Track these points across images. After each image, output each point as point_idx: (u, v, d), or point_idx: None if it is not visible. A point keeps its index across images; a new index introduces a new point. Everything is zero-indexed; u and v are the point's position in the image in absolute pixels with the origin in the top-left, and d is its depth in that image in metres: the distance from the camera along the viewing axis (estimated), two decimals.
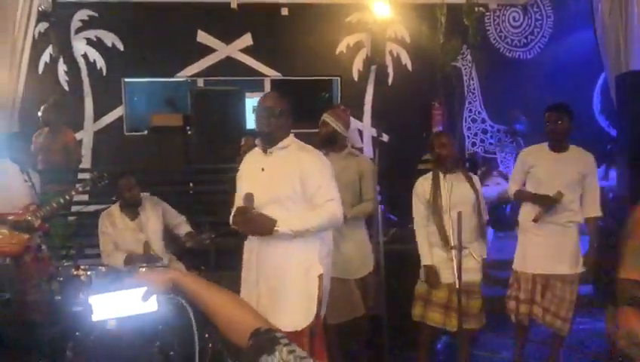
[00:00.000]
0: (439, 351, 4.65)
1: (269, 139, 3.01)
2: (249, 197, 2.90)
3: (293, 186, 2.93)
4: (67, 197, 4.69)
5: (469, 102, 8.49)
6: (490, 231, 7.26)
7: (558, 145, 3.97)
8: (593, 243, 3.99)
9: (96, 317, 1.54)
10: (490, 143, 8.46)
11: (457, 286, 3.47)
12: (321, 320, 3.12)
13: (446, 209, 3.72)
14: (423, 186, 3.89)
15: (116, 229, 4.31)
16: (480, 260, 3.80)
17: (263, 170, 3.00)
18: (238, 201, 3.07)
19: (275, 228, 2.85)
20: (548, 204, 3.90)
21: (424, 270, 3.85)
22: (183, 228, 4.51)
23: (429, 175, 3.90)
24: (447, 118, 8.00)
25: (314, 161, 3.00)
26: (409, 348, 4.08)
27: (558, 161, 3.95)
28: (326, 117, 4.06)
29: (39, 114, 6.46)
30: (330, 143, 4.04)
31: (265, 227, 2.87)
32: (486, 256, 3.89)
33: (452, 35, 7.53)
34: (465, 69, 8.33)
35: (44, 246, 4.66)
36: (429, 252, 3.82)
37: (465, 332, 3.62)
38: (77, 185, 4.72)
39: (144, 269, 3.78)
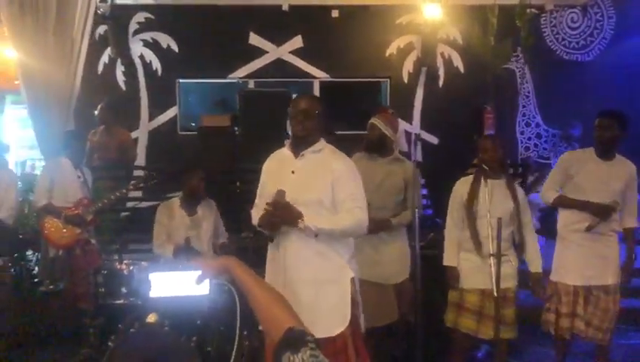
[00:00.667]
0: (480, 360, 4.55)
1: (303, 142, 2.97)
2: (281, 194, 2.87)
3: (324, 191, 2.90)
4: (118, 193, 4.88)
5: (523, 106, 8.25)
6: (541, 239, 7.03)
7: (606, 153, 3.81)
8: (631, 254, 3.85)
9: (153, 293, 1.66)
10: (545, 148, 8.19)
11: (495, 294, 3.40)
12: (358, 322, 3.07)
13: (481, 214, 3.65)
14: (461, 189, 3.84)
15: (172, 221, 4.43)
16: (515, 268, 3.70)
17: (293, 172, 2.95)
18: (261, 201, 3.04)
19: (301, 220, 2.80)
20: (608, 213, 3.74)
21: (446, 270, 3.80)
22: (221, 238, 4.65)
23: (470, 178, 3.84)
24: (500, 122, 7.82)
25: (347, 167, 2.97)
26: (444, 355, 4.01)
27: (605, 171, 3.79)
28: (375, 121, 4.03)
29: (95, 113, 6.73)
30: (378, 147, 4.02)
31: (292, 216, 2.82)
32: (539, 269, 3.77)
33: (504, 36, 7.34)
34: (519, 71, 8.11)
35: (93, 241, 4.86)
36: (454, 253, 3.80)
37: (501, 341, 3.52)
38: (128, 184, 4.90)
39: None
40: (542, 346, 4.59)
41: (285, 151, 3.06)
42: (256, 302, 1.56)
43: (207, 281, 1.64)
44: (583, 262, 3.79)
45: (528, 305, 4.95)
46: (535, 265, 3.77)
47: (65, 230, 4.69)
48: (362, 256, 4.04)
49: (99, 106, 6.71)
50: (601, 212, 3.76)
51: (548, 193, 4.00)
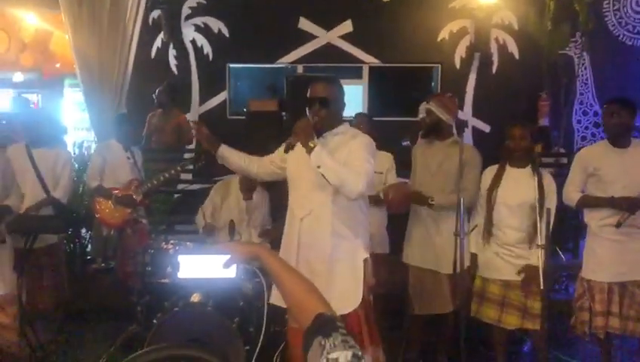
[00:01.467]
0: (525, 354, 4.45)
1: (321, 130, 3.00)
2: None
3: None
4: (167, 175, 4.98)
5: (581, 94, 7.91)
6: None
7: (622, 141, 3.65)
8: None
9: (181, 274, 1.71)
10: (602, 138, 7.85)
11: (541, 287, 3.31)
12: (371, 304, 3.13)
13: (499, 202, 3.58)
14: (486, 176, 3.77)
15: (227, 200, 4.51)
16: (539, 261, 3.55)
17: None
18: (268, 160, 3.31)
19: (312, 141, 2.84)
20: (636, 205, 3.56)
21: (471, 258, 3.77)
22: (266, 225, 4.74)
23: (497, 166, 3.76)
24: (555, 110, 7.55)
25: (363, 141, 3.01)
26: (487, 347, 3.94)
27: (627, 159, 3.62)
28: (431, 105, 3.98)
29: (154, 96, 6.87)
30: (434, 132, 3.98)
31: (308, 136, 2.86)
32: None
33: (561, 21, 7.05)
34: (577, 57, 7.78)
35: (144, 221, 4.99)
36: (475, 240, 3.76)
37: (538, 333, 3.43)
38: (177, 165, 5.00)
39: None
40: (590, 341, 4.44)
41: None
42: (285, 288, 1.57)
43: (234, 266, 1.66)
44: (616, 258, 3.63)
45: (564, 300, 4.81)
46: (534, 258, 3.57)
47: (116, 210, 4.83)
48: (414, 240, 4.03)
49: (157, 90, 6.85)
50: (630, 206, 3.58)
51: (571, 195, 3.81)
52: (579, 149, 7.66)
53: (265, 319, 1.92)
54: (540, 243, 3.37)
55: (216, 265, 1.69)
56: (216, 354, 3.21)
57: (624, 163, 3.64)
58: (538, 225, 3.38)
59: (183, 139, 6.97)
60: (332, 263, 2.91)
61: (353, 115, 4.95)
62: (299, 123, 2.88)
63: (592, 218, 3.78)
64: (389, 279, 4.42)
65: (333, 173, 2.82)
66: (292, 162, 3.08)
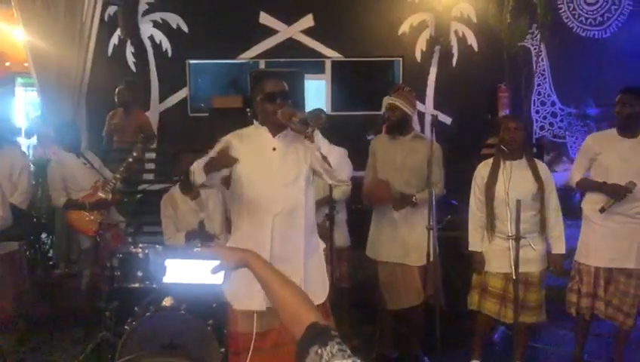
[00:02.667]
0: (496, 342, 4.53)
1: (283, 127, 2.85)
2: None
3: (305, 166, 2.90)
4: (125, 165, 4.82)
5: (538, 84, 8.10)
6: None
7: (629, 131, 3.73)
8: None
9: (167, 279, 1.64)
10: (560, 127, 8.07)
11: (514, 277, 3.36)
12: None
13: (499, 196, 3.62)
14: (482, 171, 3.79)
15: (178, 211, 4.41)
16: (540, 252, 3.64)
17: (274, 149, 2.87)
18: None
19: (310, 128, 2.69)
20: (621, 194, 3.67)
21: (472, 255, 3.79)
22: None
23: (491, 160, 3.78)
24: (514, 101, 7.70)
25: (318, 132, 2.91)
26: (462, 337, 4.00)
27: (629, 148, 3.72)
28: (396, 100, 3.98)
29: (115, 94, 6.65)
30: (400, 127, 3.98)
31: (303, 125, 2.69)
32: (562, 250, 3.71)
33: (520, 13, 7.19)
34: (534, 49, 7.95)
35: (122, 224, 4.85)
36: (478, 238, 3.76)
37: (520, 324, 3.49)
38: (131, 154, 4.82)
39: (199, 248, 3.85)
40: (561, 327, 4.56)
41: (254, 130, 2.94)
42: (276, 297, 1.54)
43: (222, 272, 1.62)
44: (605, 243, 3.74)
45: (547, 286, 4.93)
46: (557, 247, 3.71)
47: (91, 217, 4.69)
48: (384, 236, 4.04)
49: (118, 88, 6.64)
50: (614, 192, 3.69)
51: (574, 176, 3.98)
52: (537, 139, 7.93)
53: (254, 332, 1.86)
54: (510, 235, 3.43)
55: (204, 270, 1.63)
56: (192, 359, 3.17)
57: (624, 151, 3.73)
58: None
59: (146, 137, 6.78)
60: (306, 258, 2.90)
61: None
62: (285, 110, 2.73)
63: (586, 203, 3.91)
64: (353, 273, 4.44)
65: (332, 152, 2.74)
66: (254, 162, 2.86)
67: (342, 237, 4.34)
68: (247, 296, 2.78)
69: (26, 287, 4.41)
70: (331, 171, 2.78)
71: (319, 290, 2.95)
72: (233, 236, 3.02)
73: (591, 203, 3.86)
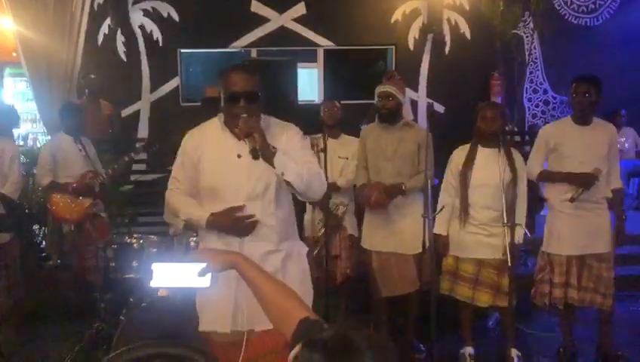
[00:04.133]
0: (490, 329, 4.57)
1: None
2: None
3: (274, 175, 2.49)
4: (121, 162, 4.81)
5: (531, 72, 8.12)
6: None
7: (584, 119, 3.75)
8: (621, 215, 3.84)
9: (154, 283, 1.63)
10: (552, 115, 8.09)
11: (509, 264, 3.39)
12: None
13: (474, 183, 3.64)
14: (457, 157, 3.82)
15: None
16: (507, 239, 3.64)
17: (239, 156, 2.46)
18: (184, 185, 2.61)
19: (272, 147, 2.36)
20: (589, 182, 3.69)
21: (435, 238, 3.75)
22: None
23: (467, 146, 3.81)
24: (507, 89, 7.71)
25: (297, 133, 2.61)
26: (456, 324, 4.02)
27: (586, 136, 3.74)
28: (390, 89, 3.96)
29: (84, 82, 6.33)
30: (394, 116, 3.97)
31: (263, 136, 2.35)
32: (521, 239, 3.72)
33: (512, 1, 7.19)
34: (527, 37, 7.96)
35: (103, 214, 4.83)
36: (444, 221, 3.80)
37: (508, 310, 3.52)
38: (131, 153, 4.84)
39: (194, 239, 3.84)
40: (552, 314, 4.59)
41: (219, 130, 2.54)
42: (264, 296, 1.53)
43: (209, 275, 1.61)
44: (575, 232, 3.75)
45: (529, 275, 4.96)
46: (518, 236, 3.68)
47: (74, 204, 4.65)
48: (377, 226, 4.04)
49: (90, 76, 6.44)
50: (583, 181, 3.70)
51: (532, 169, 3.91)
52: (530, 127, 7.95)
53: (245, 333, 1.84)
54: (504, 223, 3.46)
55: (191, 273, 1.61)
56: (191, 349, 3.16)
57: (584, 139, 3.73)
58: (504, 203, 3.46)
59: (114, 128, 6.71)
60: (282, 272, 2.49)
61: (310, 98, 4.91)
62: (246, 122, 2.35)
63: (552, 193, 3.89)
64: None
65: (299, 177, 2.40)
66: (217, 171, 2.50)
67: (352, 225, 4.36)
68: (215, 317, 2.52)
69: (19, 279, 4.38)
70: (299, 193, 2.49)
71: (307, 297, 2.56)
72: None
73: (556, 192, 3.85)
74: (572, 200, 3.72)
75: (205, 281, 1.60)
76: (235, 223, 2.45)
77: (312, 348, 1.07)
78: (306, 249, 2.73)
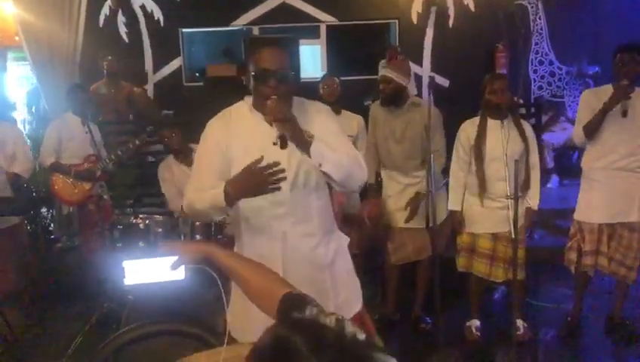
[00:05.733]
0: (496, 301, 4.59)
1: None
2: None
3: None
4: (125, 149, 4.83)
5: (536, 43, 8.00)
6: (555, 178, 6.99)
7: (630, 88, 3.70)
8: None
9: (128, 281, 1.63)
10: (558, 86, 8.00)
11: (513, 236, 3.39)
12: None
13: (491, 156, 3.62)
14: (467, 131, 3.79)
15: (174, 177, 4.43)
16: (525, 210, 3.64)
17: (275, 143, 2.06)
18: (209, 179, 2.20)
19: (308, 134, 2.08)
20: (622, 90, 3.56)
21: (451, 215, 3.81)
22: None
23: (476, 120, 3.78)
24: (512, 61, 7.62)
25: (329, 114, 2.38)
26: (462, 297, 4.05)
27: (625, 104, 3.69)
28: (388, 72, 3.93)
29: (104, 65, 6.51)
30: (394, 100, 3.94)
31: (296, 123, 2.08)
32: (536, 207, 3.75)
33: None
34: (532, 7, 7.82)
35: (105, 196, 4.86)
36: (458, 197, 3.80)
37: (517, 282, 3.54)
38: (135, 139, 4.84)
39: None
40: (558, 286, 4.62)
41: (247, 114, 2.25)
42: (244, 281, 1.51)
43: (183, 267, 1.61)
44: (607, 199, 3.74)
45: (545, 245, 4.98)
46: (533, 203, 3.75)
47: (75, 187, 4.69)
48: (391, 201, 4.07)
49: (108, 58, 6.47)
50: (617, 95, 3.60)
51: (576, 130, 3.84)
52: (535, 99, 7.87)
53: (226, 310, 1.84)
54: (508, 195, 3.45)
55: (164, 267, 1.61)
56: (198, 326, 3.20)
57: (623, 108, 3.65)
58: (507, 175, 3.44)
59: (137, 107, 6.71)
60: (331, 269, 2.31)
61: (313, 75, 4.85)
62: (276, 105, 2.07)
63: (585, 161, 3.89)
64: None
65: (339, 167, 2.11)
66: (252, 158, 2.05)
67: (354, 203, 4.36)
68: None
69: (29, 260, 4.44)
70: (337, 184, 2.19)
71: (352, 298, 2.39)
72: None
73: (590, 160, 3.84)
74: (624, 113, 3.60)
75: (179, 274, 1.60)
76: (255, 176, 2.00)
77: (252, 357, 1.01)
78: (347, 240, 2.47)
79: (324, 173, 2.13)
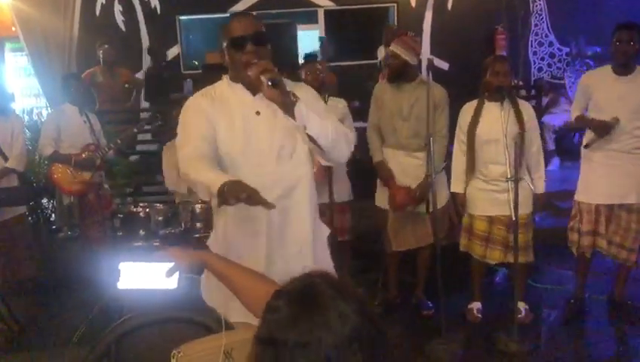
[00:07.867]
0: (497, 284, 4.60)
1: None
2: None
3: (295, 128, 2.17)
4: (123, 136, 4.82)
5: (535, 25, 7.94)
6: (555, 160, 6.97)
7: (624, 68, 3.67)
8: None
9: (121, 284, 1.62)
10: (558, 68, 7.96)
11: (514, 218, 3.38)
12: None
13: (484, 139, 3.61)
14: (466, 113, 3.77)
15: (174, 157, 4.41)
16: (525, 194, 3.62)
17: (258, 113, 2.17)
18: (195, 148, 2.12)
19: (293, 95, 2.03)
20: (604, 130, 3.64)
21: (453, 197, 3.83)
22: None
23: (475, 102, 3.76)
24: (512, 43, 7.57)
25: (311, 90, 2.35)
26: (464, 280, 4.06)
27: (622, 85, 3.66)
28: (395, 47, 3.89)
29: (100, 54, 6.49)
30: (400, 75, 3.91)
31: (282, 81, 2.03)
32: (542, 190, 3.74)
33: None
34: None
35: (106, 185, 4.86)
36: (459, 179, 3.80)
37: (518, 265, 3.53)
38: (133, 127, 4.83)
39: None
40: (560, 267, 4.62)
41: (227, 88, 2.23)
42: (237, 286, 1.55)
43: (176, 276, 1.60)
44: (605, 181, 3.74)
45: (546, 226, 4.97)
46: (538, 187, 3.74)
47: (75, 176, 4.68)
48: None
49: (105, 46, 6.46)
50: (598, 128, 3.67)
51: (572, 114, 3.92)
52: (536, 81, 7.82)
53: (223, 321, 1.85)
54: (508, 177, 3.44)
55: (159, 274, 1.60)
56: (203, 314, 3.21)
57: (619, 90, 3.65)
58: (507, 157, 3.43)
59: (134, 95, 6.69)
60: (315, 248, 2.29)
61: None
62: (259, 64, 2.03)
63: (585, 141, 3.87)
64: (355, 224, 4.45)
65: (324, 131, 2.07)
66: (235, 134, 2.16)
67: (343, 191, 4.32)
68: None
69: (32, 251, 4.45)
70: (322, 153, 2.16)
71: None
72: (214, 235, 2.35)
73: (588, 140, 3.84)
74: (587, 146, 3.73)
75: (172, 282, 1.59)
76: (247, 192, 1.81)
77: (278, 297, 1.08)
78: (327, 231, 2.43)
79: (310, 138, 2.07)
